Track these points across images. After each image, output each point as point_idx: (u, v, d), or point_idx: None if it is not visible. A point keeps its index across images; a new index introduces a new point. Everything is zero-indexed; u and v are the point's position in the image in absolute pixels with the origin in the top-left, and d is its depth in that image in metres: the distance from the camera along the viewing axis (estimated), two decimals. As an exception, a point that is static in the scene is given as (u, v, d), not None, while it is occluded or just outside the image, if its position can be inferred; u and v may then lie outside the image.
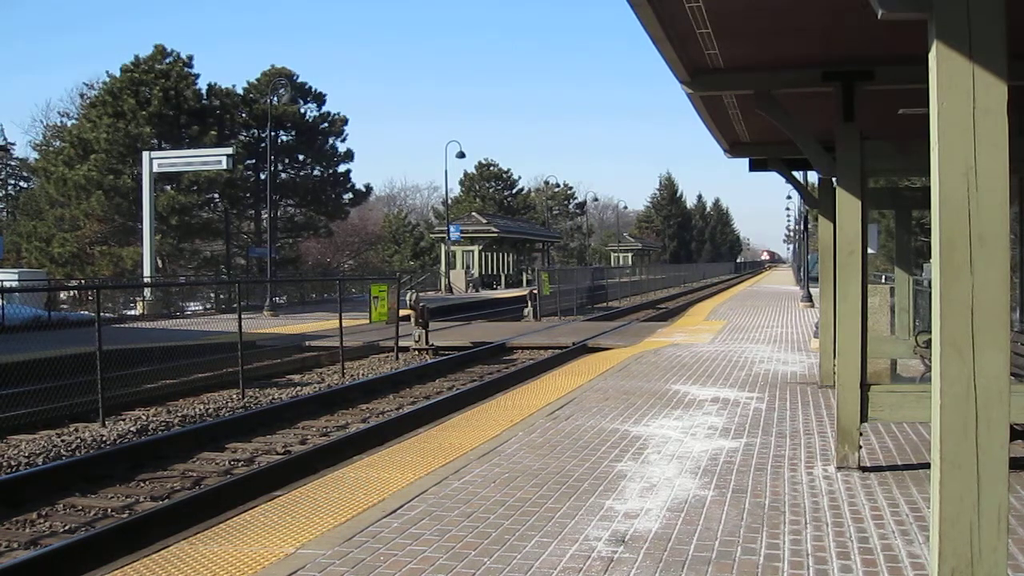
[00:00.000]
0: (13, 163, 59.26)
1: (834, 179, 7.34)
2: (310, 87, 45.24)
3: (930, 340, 3.24)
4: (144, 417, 11.08)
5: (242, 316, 13.62)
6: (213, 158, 31.13)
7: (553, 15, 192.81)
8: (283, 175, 43.37)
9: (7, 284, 20.72)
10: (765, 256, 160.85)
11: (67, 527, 6.72)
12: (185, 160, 32.03)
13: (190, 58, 38.61)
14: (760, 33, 6.07)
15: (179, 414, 11.32)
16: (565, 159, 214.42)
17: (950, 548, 3.06)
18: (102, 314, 12.17)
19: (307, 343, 18.09)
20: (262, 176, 40.06)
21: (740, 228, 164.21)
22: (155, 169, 30.62)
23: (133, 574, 4.40)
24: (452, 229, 48.94)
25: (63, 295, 28.93)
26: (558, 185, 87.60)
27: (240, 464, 8.81)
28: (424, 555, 4.55)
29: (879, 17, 3.18)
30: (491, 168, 79.31)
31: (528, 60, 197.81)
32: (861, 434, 6.29)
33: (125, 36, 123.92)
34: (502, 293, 45.04)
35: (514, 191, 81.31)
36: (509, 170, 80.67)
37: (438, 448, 7.22)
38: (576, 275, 36.71)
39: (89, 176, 35.05)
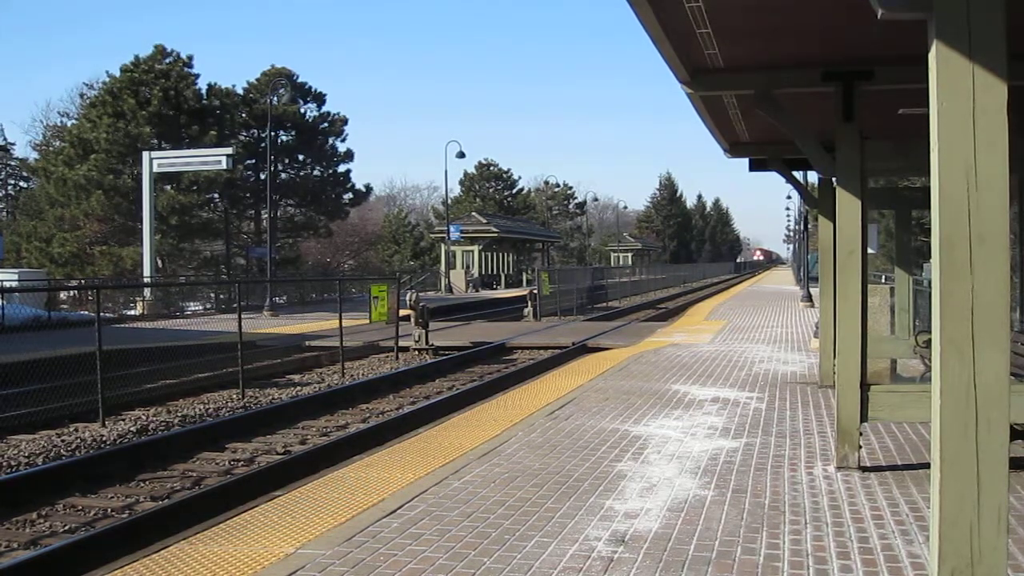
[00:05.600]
0: (13, 163, 59.35)
1: (834, 179, 7.34)
2: (310, 87, 45.27)
3: (930, 340, 3.24)
4: (144, 417, 11.07)
5: (242, 316, 13.62)
6: (213, 158, 31.12)
7: (553, 15, 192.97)
8: (283, 175, 43.36)
9: (7, 284, 20.72)
10: (758, 255, 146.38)
11: (67, 527, 6.72)
12: (185, 160, 32.01)
13: (190, 58, 38.60)
14: (760, 33, 6.07)
15: (179, 414, 11.31)
16: (565, 159, 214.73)
17: (950, 548, 3.06)
18: (102, 314, 12.17)
19: (307, 343, 18.09)
20: (262, 176, 40.04)
21: (740, 228, 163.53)
22: (155, 169, 30.61)
23: (133, 574, 4.40)
24: (452, 229, 48.94)
25: (63, 295, 28.94)
26: (558, 185, 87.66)
27: (240, 464, 8.81)
28: (424, 555, 4.55)
29: (879, 17, 3.17)
30: (491, 168, 79.28)
31: (528, 60, 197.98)
32: (861, 434, 6.29)
33: (125, 36, 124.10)
34: (502, 293, 45.03)
35: (514, 191, 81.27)
36: (509, 170, 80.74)
37: (438, 448, 7.22)
38: (576, 275, 36.68)
39: (89, 176, 35.04)
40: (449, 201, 56.06)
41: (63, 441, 9.61)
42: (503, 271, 59.20)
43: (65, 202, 36.79)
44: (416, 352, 17.01)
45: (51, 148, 45.23)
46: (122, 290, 29.28)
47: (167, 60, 38.07)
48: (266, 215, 36.87)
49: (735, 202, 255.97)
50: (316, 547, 4.70)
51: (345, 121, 45.67)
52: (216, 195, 40.11)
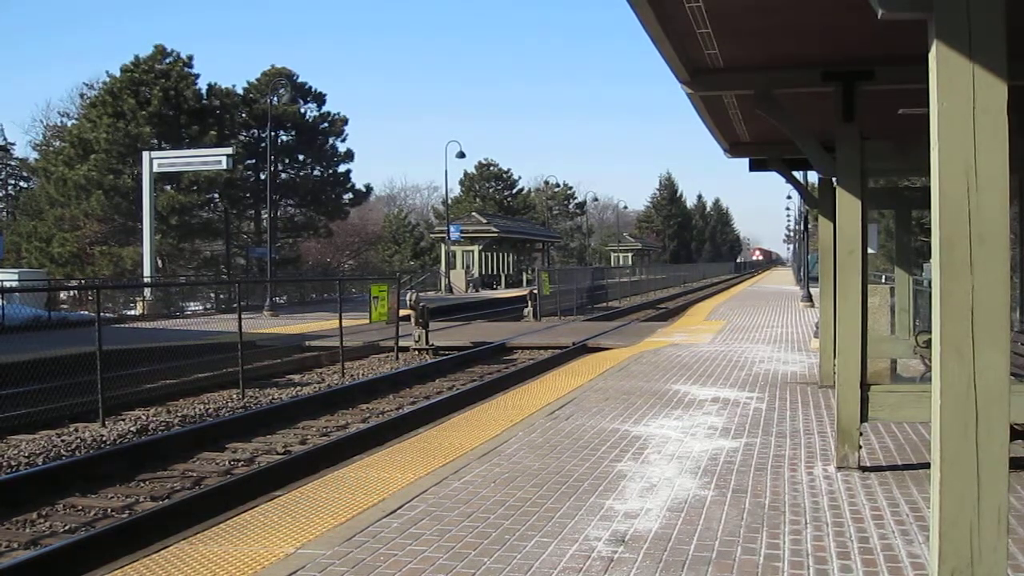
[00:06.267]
0: (13, 163, 59.33)
1: (834, 179, 7.34)
2: (310, 87, 45.26)
3: (930, 340, 3.24)
4: (144, 417, 11.07)
5: (242, 316, 13.62)
6: (213, 158, 31.12)
7: (553, 15, 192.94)
8: (283, 175, 43.36)
9: (7, 284, 20.72)
10: (757, 255, 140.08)
11: (67, 527, 6.72)
12: (185, 160, 32.01)
13: (190, 58, 38.60)
14: (760, 33, 6.07)
15: (179, 414, 11.31)
16: (565, 159, 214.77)
17: (950, 548, 3.06)
18: (102, 314, 12.17)
19: (307, 343, 18.09)
20: (262, 176, 40.05)
21: (740, 228, 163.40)
22: (155, 169, 30.61)
23: (133, 574, 4.40)
24: (452, 229, 48.95)
25: (63, 295, 28.93)
26: (558, 185, 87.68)
27: (240, 464, 8.81)
28: (424, 555, 4.55)
29: (879, 17, 3.17)
30: (491, 168, 79.29)
31: (528, 60, 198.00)
32: (861, 434, 6.29)
33: (125, 36, 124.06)
34: (502, 293, 45.04)
35: (514, 191, 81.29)
36: (509, 170, 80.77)
37: (438, 448, 7.22)
38: (576, 275, 36.65)
39: (89, 176, 35.04)
40: (449, 201, 56.08)
41: (63, 441, 9.61)
42: (503, 271, 59.21)
43: (65, 202, 36.80)
44: (416, 352, 17.01)
45: (51, 148, 45.22)
46: (122, 290, 29.28)
47: (167, 60, 38.07)
48: (266, 215, 36.87)
49: (735, 202, 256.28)
50: (316, 547, 4.70)
51: (345, 121, 45.70)
52: (216, 195, 40.10)
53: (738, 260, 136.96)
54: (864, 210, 6.47)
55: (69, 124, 45.43)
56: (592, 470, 6.36)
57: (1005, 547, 3.08)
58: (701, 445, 7.20)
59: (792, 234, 74.58)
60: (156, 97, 36.32)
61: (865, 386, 6.21)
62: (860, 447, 6.32)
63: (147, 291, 28.30)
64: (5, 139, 59.87)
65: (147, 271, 30.17)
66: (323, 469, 7.10)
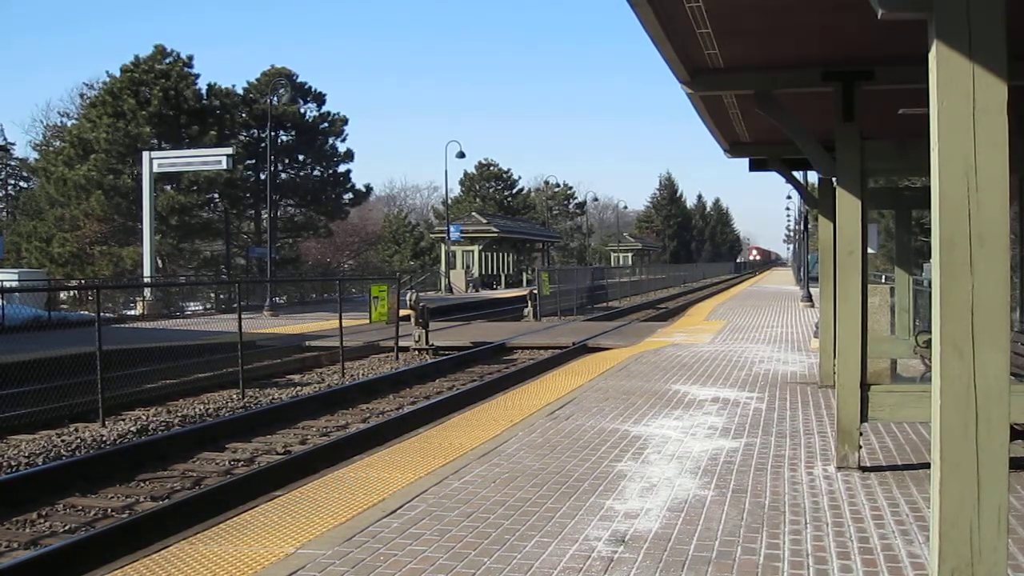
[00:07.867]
0: (13, 163, 59.36)
1: (834, 179, 7.34)
2: (310, 87, 45.26)
3: (930, 340, 3.24)
4: (144, 417, 11.07)
5: (242, 316, 13.62)
6: (213, 158, 31.10)
7: (553, 15, 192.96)
8: (283, 175, 43.35)
9: (7, 284, 20.71)
10: (754, 255, 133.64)
11: (67, 527, 6.72)
12: (185, 160, 31.99)
13: (190, 58, 38.59)
14: (760, 33, 6.07)
15: (179, 414, 11.31)
16: (565, 159, 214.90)
17: (950, 548, 3.06)
18: (102, 314, 12.17)
19: (307, 343, 18.09)
20: (262, 176, 40.05)
21: (740, 228, 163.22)
22: (155, 169, 30.59)
23: (133, 574, 4.40)
24: (452, 229, 48.95)
25: (63, 295, 28.94)
26: (558, 185, 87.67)
27: (240, 464, 8.81)
28: (424, 555, 4.55)
29: (879, 17, 3.18)
30: (491, 168, 79.28)
31: (528, 60, 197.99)
32: (861, 434, 6.29)
33: (125, 36, 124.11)
34: (502, 293, 45.03)
35: (514, 191, 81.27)
36: (509, 170, 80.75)
37: (438, 448, 7.22)
38: (576, 275, 36.65)
39: (89, 176, 35.03)
40: (449, 201, 56.06)
41: (63, 441, 9.61)
42: (503, 271, 59.21)
43: (65, 202, 36.80)
44: (416, 352, 17.01)
45: (51, 148, 45.23)
46: (122, 290, 29.29)
47: (167, 60, 38.06)
48: (266, 215, 36.86)
49: (735, 202, 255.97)
50: (316, 547, 4.70)
51: (345, 121, 45.69)
52: (216, 195, 40.08)
53: (738, 260, 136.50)
54: (864, 210, 6.47)
55: (69, 124, 45.49)
56: (592, 470, 6.36)
57: (1005, 547, 3.08)
58: (701, 445, 7.20)
59: (792, 234, 74.58)
60: (156, 97, 36.30)
61: (865, 386, 6.21)
62: (860, 447, 6.32)
63: (147, 291, 28.28)
64: (5, 139, 60.00)
65: (147, 271, 30.16)
66: (323, 469, 7.11)
